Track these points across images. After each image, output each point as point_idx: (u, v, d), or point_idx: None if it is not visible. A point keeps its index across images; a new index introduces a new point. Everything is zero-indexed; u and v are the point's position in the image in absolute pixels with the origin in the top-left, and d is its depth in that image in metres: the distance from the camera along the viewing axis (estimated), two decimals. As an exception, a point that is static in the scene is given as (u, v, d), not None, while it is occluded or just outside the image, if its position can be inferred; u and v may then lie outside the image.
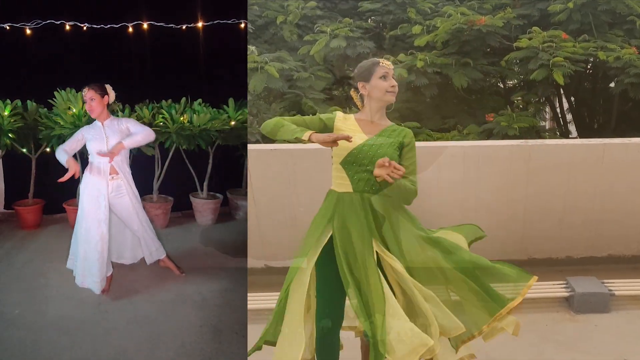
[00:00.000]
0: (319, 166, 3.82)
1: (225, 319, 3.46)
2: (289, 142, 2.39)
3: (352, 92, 2.54)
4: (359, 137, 2.39)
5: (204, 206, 5.35)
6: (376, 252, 2.36)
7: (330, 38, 7.56)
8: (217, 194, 5.48)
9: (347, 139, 2.23)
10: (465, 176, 4.09)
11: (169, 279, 4.02)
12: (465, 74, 7.03)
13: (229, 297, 3.74)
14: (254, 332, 3.25)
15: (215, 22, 5.28)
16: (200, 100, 5.15)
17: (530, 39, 6.96)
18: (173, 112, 4.96)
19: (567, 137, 7.47)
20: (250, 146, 4.24)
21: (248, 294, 3.49)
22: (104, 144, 3.68)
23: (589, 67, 7.37)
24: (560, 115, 7.88)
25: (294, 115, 6.78)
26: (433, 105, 7.48)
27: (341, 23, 7.84)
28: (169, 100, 5.10)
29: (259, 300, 3.64)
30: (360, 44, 7.66)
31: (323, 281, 2.41)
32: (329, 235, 2.40)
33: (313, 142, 2.28)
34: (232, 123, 5.17)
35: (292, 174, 4.00)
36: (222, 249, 4.71)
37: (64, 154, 3.62)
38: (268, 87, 7.03)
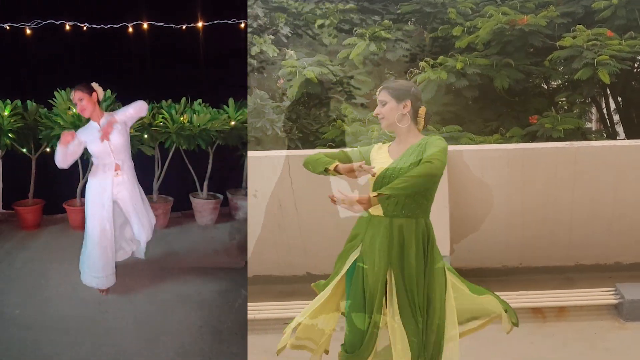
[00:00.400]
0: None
1: (225, 319, 3.46)
2: (321, 174, 2.47)
3: None
4: (386, 162, 2.43)
5: (204, 206, 5.35)
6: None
7: (369, 41, 7.43)
8: (217, 194, 5.48)
9: (369, 171, 2.33)
10: (509, 180, 4.01)
11: (169, 279, 4.02)
12: (507, 75, 6.79)
13: (229, 298, 3.74)
14: (257, 339, 3.27)
15: (215, 22, 5.28)
16: (200, 100, 5.14)
17: (574, 37, 6.70)
18: (173, 112, 4.96)
19: (615, 139, 7.10)
20: (290, 152, 4.13)
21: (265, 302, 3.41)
22: (106, 143, 3.66)
23: (636, 65, 7.08)
24: (607, 116, 7.53)
25: (333, 120, 6.71)
26: (475, 108, 7.26)
27: (380, 26, 7.72)
28: (169, 100, 5.10)
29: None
30: (400, 47, 7.54)
31: (351, 297, 2.45)
32: (357, 254, 2.45)
33: (340, 172, 2.38)
34: (232, 123, 5.17)
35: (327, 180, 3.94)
36: (222, 249, 4.71)
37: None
38: (307, 92, 6.87)
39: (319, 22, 7.78)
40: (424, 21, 7.98)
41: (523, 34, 6.92)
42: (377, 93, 2.50)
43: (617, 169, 3.95)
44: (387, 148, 2.51)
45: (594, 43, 6.56)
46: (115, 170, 3.70)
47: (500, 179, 3.99)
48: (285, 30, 7.43)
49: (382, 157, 2.47)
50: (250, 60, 6.84)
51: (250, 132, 5.84)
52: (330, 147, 6.12)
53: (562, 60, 6.92)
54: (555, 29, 7.06)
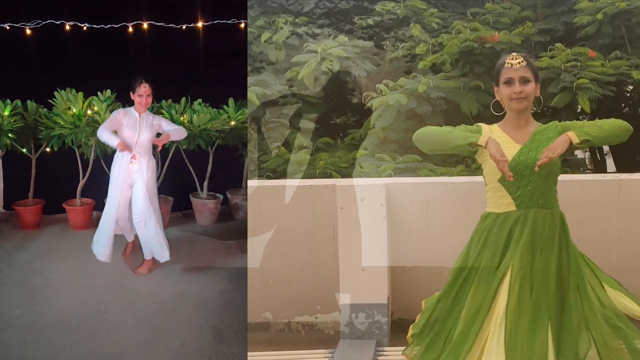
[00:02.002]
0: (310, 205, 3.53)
1: (225, 319, 3.46)
2: (454, 150, 2.20)
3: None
4: (513, 148, 2.18)
5: (204, 206, 5.35)
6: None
7: (321, 59, 6.64)
8: (217, 194, 5.48)
9: (507, 174, 2.07)
10: (458, 220, 3.37)
11: (169, 279, 4.02)
12: (475, 99, 6.16)
13: (229, 297, 3.74)
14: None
15: (215, 22, 5.28)
16: (200, 100, 5.15)
17: (551, 57, 6.12)
18: (173, 112, 4.96)
19: (605, 171, 6.44)
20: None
21: (248, 353, 3.19)
22: (136, 134, 3.91)
23: (628, 89, 6.43)
24: (596, 147, 6.71)
25: (277, 148, 6.08)
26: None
27: (334, 41, 6.89)
28: (169, 100, 5.10)
29: None
30: (356, 65, 6.78)
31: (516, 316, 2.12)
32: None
33: (489, 149, 2.10)
34: (232, 123, 5.17)
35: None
36: (222, 249, 4.71)
37: (108, 135, 3.88)
38: (249, 116, 6.06)
39: (265, 35, 6.94)
40: (384, 37, 7.16)
41: (494, 53, 6.23)
42: (510, 63, 2.18)
43: (581, 205, 3.45)
44: (500, 130, 2.25)
45: (574, 64, 6.03)
46: (131, 159, 3.91)
47: (465, 215, 3.21)
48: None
49: (503, 141, 2.17)
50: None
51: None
52: (269, 178, 5.64)
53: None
54: (531, 47, 6.46)
